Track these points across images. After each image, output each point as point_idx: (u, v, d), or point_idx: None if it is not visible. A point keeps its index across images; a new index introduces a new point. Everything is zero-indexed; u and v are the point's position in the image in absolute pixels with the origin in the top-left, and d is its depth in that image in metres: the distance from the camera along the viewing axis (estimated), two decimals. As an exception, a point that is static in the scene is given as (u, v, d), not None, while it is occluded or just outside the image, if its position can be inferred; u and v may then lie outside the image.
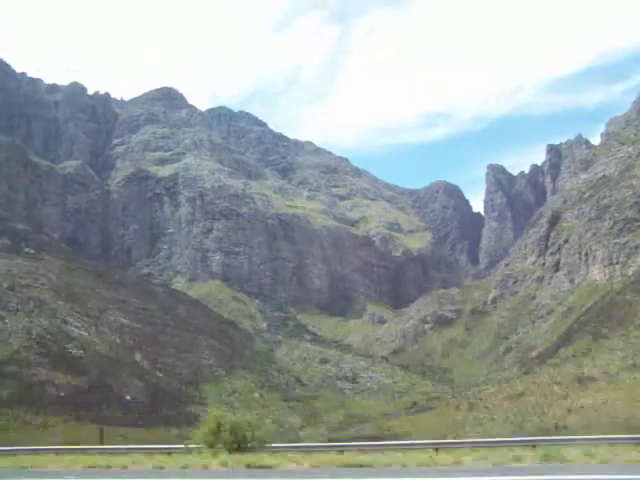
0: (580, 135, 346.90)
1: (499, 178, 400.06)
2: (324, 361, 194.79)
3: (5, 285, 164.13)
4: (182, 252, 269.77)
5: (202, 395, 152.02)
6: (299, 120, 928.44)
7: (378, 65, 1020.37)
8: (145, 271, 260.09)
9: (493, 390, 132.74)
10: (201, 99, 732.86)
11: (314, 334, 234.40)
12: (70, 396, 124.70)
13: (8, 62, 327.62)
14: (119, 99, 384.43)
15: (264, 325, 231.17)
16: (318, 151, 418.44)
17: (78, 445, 61.40)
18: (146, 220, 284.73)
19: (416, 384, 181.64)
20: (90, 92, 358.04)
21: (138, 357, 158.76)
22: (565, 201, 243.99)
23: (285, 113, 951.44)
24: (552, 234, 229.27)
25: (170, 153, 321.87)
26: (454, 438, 75.86)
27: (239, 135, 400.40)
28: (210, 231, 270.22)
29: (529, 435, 68.27)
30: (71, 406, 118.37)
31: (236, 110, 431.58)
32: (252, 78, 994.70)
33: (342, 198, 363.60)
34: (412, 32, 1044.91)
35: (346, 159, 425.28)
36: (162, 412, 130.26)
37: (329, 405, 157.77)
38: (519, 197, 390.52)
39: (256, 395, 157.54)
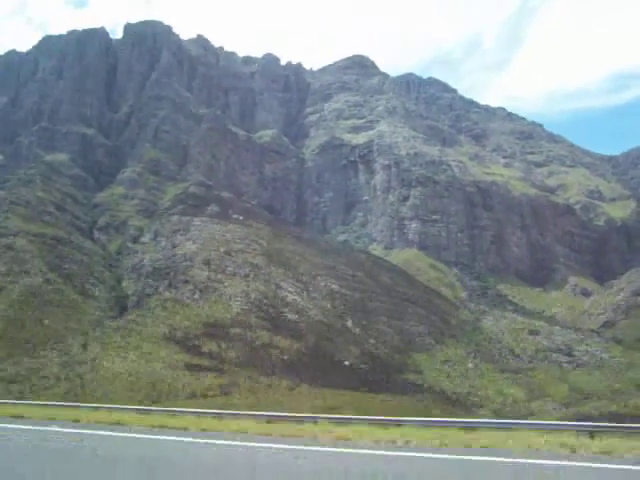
0: None
1: None
2: (534, 332, 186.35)
3: (222, 250, 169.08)
4: (377, 220, 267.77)
5: (415, 363, 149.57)
6: (482, 86, 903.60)
7: (561, 27, 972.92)
8: (341, 238, 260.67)
9: None
10: (385, 67, 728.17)
11: (515, 304, 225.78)
12: (292, 360, 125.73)
13: (207, 37, 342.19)
14: (309, 69, 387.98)
15: (464, 294, 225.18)
16: (511, 117, 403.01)
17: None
18: (341, 188, 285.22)
19: (636, 360, 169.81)
20: (283, 63, 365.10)
21: (350, 323, 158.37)
22: None
23: (467, 79, 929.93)
24: None
25: (363, 121, 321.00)
26: None
27: (429, 101, 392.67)
28: (406, 199, 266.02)
29: None
30: (296, 370, 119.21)
31: (424, 77, 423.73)
32: (433, 45, 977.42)
33: (538, 165, 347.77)
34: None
35: (540, 125, 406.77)
36: (381, 379, 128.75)
37: (548, 378, 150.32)
38: None
39: (470, 365, 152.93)
